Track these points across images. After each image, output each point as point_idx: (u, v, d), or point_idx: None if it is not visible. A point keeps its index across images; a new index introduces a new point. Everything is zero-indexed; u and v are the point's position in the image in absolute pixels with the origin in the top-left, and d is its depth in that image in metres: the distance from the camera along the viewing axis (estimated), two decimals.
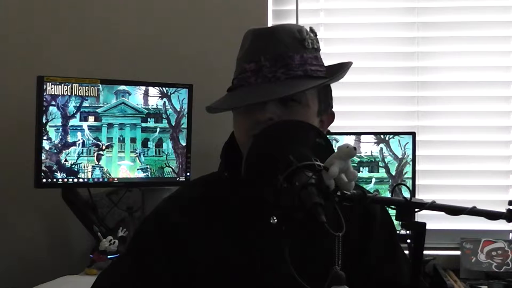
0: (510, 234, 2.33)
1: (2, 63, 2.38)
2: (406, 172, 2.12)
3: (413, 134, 2.14)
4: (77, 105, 2.02)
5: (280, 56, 1.07)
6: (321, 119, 1.14)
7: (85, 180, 2.04)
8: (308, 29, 1.13)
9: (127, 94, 2.09)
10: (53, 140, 1.99)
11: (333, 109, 1.18)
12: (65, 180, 2.00)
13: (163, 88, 2.15)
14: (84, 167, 2.03)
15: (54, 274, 1.92)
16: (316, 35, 1.14)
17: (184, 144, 2.17)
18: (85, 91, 2.03)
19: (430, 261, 2.18)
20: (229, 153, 1.15)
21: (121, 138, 2.09)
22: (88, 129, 2.04)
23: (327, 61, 1.18)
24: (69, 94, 2.01)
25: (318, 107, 1.12)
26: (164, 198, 1.20)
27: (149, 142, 2.13)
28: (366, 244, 1.16)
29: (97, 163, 2.05)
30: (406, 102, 2.39)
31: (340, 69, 1.14)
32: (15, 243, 2.32)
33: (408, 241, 0.86)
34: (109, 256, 1.97)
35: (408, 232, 0.87)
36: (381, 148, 2.13)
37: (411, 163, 2.12)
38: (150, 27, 2.37)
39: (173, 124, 2.15)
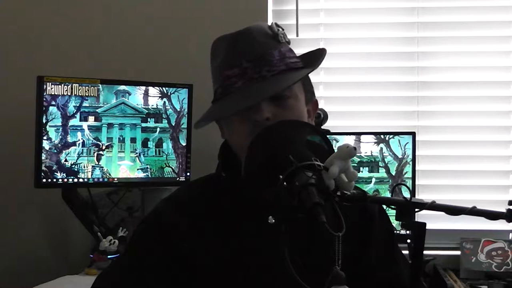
0: (510, 234, 2.33)
1: (2, 63, 2.38)
2: (406, 172, 2.12)
3: (413, 134, 2.14)
4: (77, 105, 2.02)
5: (260, 55, 1.08)
6: (307, 109, 1.15)
7: (85, 180, 2.04)
8: (274, 25, 1.14)
9: (127, 94, 2.09)
10: (53, 140, 1.98)
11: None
12: (65, 180, 2.00)
13: (163, 88, 2.15)
14: (84, 167, 2.03)
15: (54, 274, 1.93)
16: (283, 29, 1.15)
17: (184, 144, 2.17)
18: (85, 91, 2.03)
19: (430, 261, 2.18)
20: (226, 154, 1.15)
21: (121, 138, 2.09)
22: (88, 129, 2.04)
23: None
24: (69, 94, 2.01)
25: (305, 96, 1.13)
26: (163, 199, 1.20)
27: (149, 142, 2.12)
28: (366, 244, 1.16)
29: (97, 163, 2.05)
30: (406, 102, 2.39)
31: (315, 57, 1.15)
32: (15, 243, 2.32)
33: (408, 241, 0.86)
34: (109, 256, 1.97)
35: (408, 232, 0.87)
36: (381, 148, 2.13)
37: (411, 163, 2.12)
38: (150, 27, 2.37)
39: (173, 124, 2.15)
